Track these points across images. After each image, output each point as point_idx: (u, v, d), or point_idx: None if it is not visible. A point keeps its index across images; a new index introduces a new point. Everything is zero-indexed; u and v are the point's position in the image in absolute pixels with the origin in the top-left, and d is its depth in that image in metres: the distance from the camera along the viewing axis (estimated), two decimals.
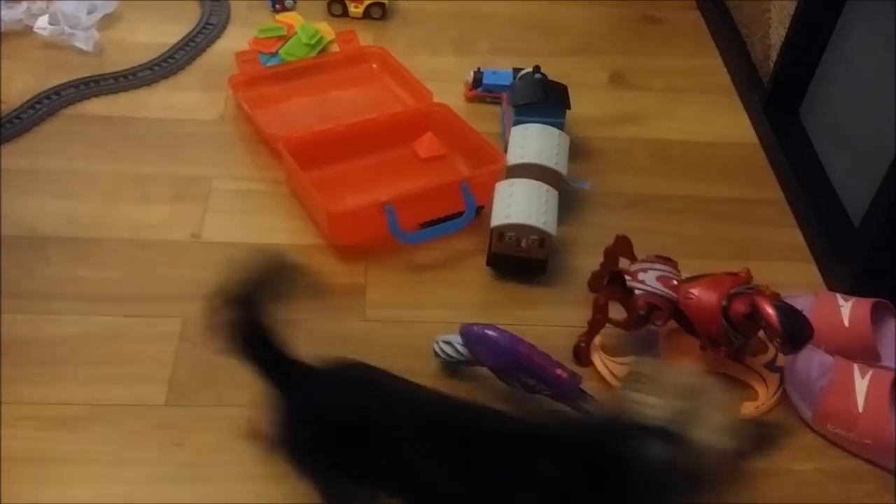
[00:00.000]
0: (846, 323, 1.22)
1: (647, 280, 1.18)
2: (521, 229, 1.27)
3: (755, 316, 1.10)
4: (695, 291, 1.15)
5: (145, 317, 1.23)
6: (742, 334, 1.14)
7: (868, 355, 1.20)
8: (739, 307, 1.11)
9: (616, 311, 1.21)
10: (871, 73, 1.39)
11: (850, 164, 1.43)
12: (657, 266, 1.19)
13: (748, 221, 1.48)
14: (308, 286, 0.97)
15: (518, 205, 1.29)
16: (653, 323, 1.19)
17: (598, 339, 1.23)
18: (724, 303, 1.12)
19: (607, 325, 1.21)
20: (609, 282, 1.22)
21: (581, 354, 1.22)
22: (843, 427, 1.14)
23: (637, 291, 1.18)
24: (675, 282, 1.18)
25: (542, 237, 1.28)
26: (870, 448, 1.13)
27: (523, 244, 1.28)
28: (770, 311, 1.08)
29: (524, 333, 1.22)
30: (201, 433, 1.10)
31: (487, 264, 1.32)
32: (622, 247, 1.26)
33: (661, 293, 1.18)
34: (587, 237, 1.37)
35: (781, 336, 1.09)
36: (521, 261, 1.30)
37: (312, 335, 1.21)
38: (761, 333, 1.15)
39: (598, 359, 1.21)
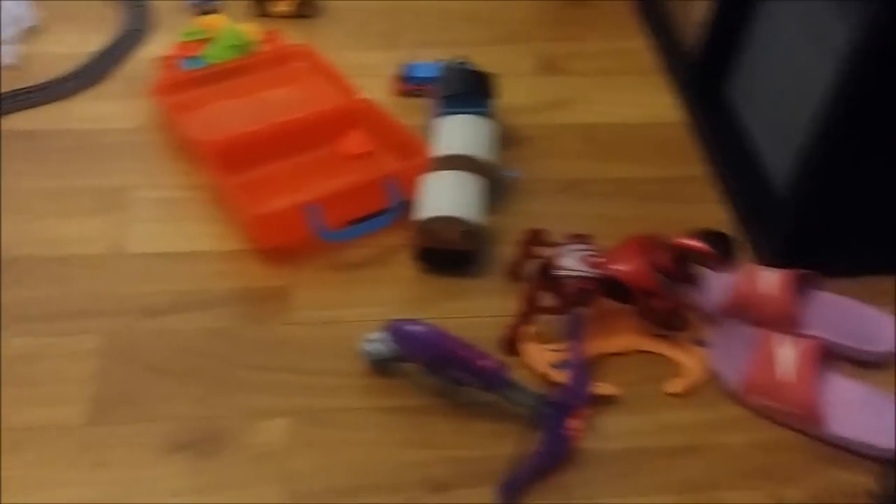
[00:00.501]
0: (769, 294, 1.23)
1: (571, 263, 1.19)
2: (448, 221, 1.27)
3: (682, 256, 1.16)
4: (620, 257, 1.19)
5: (66, 335, 1.21)
6: (675, 280, 1.19)
7: (791, 325, 1.22)
8: (664, 257, 1.17)
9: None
10: (791, 48, 1.40)
11: (773, 137, 1.44)
12: (575, 246, 1.21)
13: (676, 199, 1.49)
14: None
15: (444, 197, 1.29)
16: (585, 305, 1.20)
17: (527, 328, 1.23)
18: (649, 261, 1.17)
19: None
20: (537, 273, 1.23)
21: (511, 345, 1.22)
22: (769, 397, 1.15)
23: (565, 277, 1.18)
24: (598, 259, 1.20)
25: (470, 228, 1.28)
26: (796, 416, 1.14)
27: (451, 236, 1.28)
28: (692, 241, 1.15)
29: (455, 326, 1.22)
30: (125, 450, 1.09)
31: (415, 259, 1.32)
32: (537, 237, 1.27)
33: (588, 274, 1.19)
34: (518, 225, 1.37)
35: (713, 254, 1.15)
36: (450, 253, 1.30)
37: (237, 341, 1.22)
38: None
39: (528, 347, 1.22)
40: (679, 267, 1.19)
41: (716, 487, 1.10)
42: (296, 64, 1.62)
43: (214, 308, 1.26)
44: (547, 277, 1.20)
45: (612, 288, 1.20)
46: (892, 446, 1.11)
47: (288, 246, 1.33)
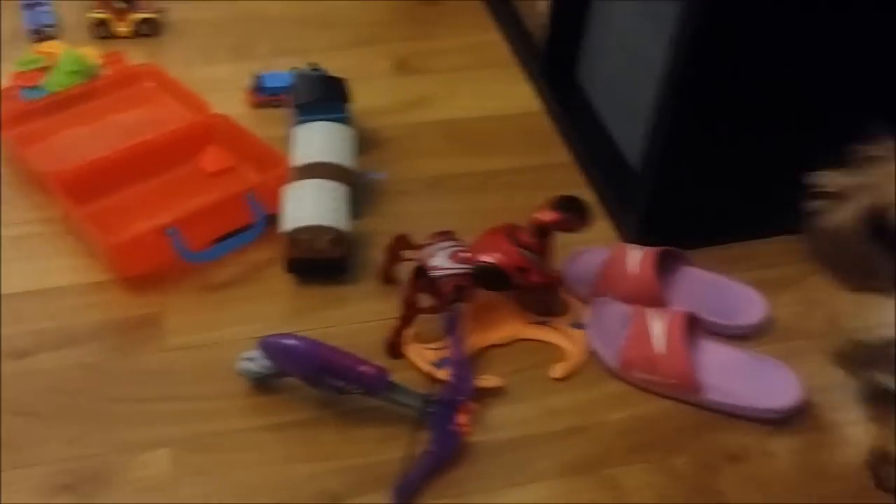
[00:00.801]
0: (634, 272, 1.27)
1: (442, 262, 1.20)
2: (314, 231, 1.25)
3: (542, 230, 1.20)
4: (485, 246, 1.22)
5: None
6: (541, 253, 1.21)
7: (657, 302, 1.25)
8: (525, 234, 1.21)
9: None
10: (629, 28, 1.44)
11: (623, 118, 1.47)
12: (442, 245, 1.21)
13: (542, 187, 1.50)
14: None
15: (307, 206, 1.27)
16: (463, 301, 1.20)
17: (409, 330, 1.23)
18: (513, 242, 1.20)
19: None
20: (413, 277, 1.23)
21: (394, 348, 1.21)
22: (647, 371, 1.18)
23: (440, 277, 1.19)
24: (465, 253, 1.21)
25: (337, 235, 1.26)
26: (674, 387, 1.18)
27: (318, 245, 1.27)
28: (547, 214, 1.19)
29: (335, 334, 1.21)
30: (11, 496, 1.05)
31: (286, 271, 1.29)
32: (402, 243, 1.27)
33: (460, 270, 1.20)
34: (387, 227, 1.36)
35: (569, 220, 1.19)
36: (320, 262, 1.28)
37: (109, 375, 1.17)
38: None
39: (411, 349, 1.21)
40: (542, 241, 1.21)
41: (605, 465, 1.12)
42: (143, 85, 1.57)
43: (83, 343, 1.21)
44: (422, 279, 1.21)
45: (487, 278, 1.21)
46: (769, 406, 1.16)
47: (153, 271, 1.29)
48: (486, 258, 1.21)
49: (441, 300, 1.19)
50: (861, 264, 1.01)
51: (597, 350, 1.23)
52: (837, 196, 1.00)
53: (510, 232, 1.22)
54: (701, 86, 1.18)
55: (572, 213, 1.21)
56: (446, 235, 1.24)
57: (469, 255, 1.21)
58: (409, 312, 1.20)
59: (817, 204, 1.01)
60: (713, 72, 1.17)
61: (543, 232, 1.21)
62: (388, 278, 1.30)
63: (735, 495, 1.10)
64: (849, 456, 1.15)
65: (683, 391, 1.18)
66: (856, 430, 1.18)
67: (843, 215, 0.99)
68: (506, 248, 1.21)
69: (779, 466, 1.13)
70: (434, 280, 1.19)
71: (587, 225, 1.22)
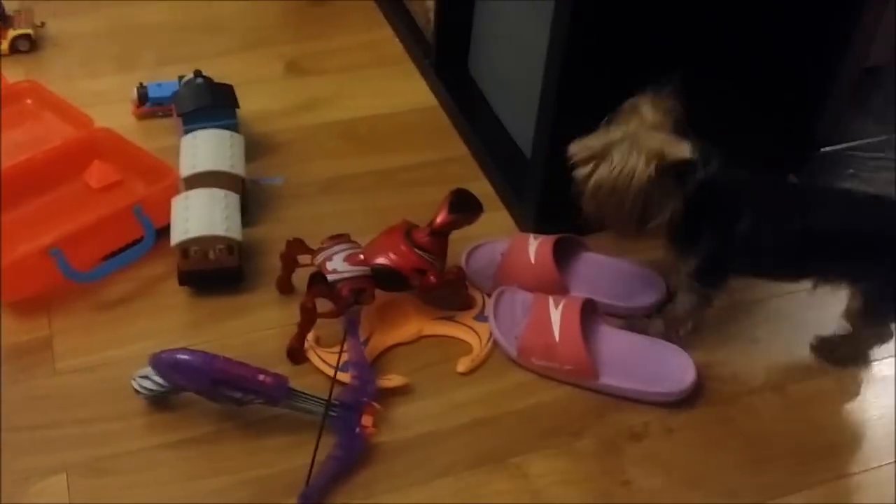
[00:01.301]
0: (532, 260, 1.27)
1: (338, 266, 1.19)
2: (205, 241, 1.23)
3: (437, 230, 1.21)
4: (381, 247, 1.21)
5: None
6: (438, 254, 1.21)
7: (556, 289, 1.26)
8: (421, 235, 1.21)
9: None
10: (519, 19, 1.44)
11: (518, 108, 1.48)
12: (337, 248, 1.20)
13: (440, 182, 1.49)
14: None
15: (196, 217, 1.24)
16: (362, 303, 1.19)
17: (310, 336, 1.21)
18: (410, 242, 1.20)
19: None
20: (310, 283, 1.22)
21: (295, 355, 1.20)
22: (545, 358, 1.19)
23: (337, 281, 1.17)
24: (361, 255, 1.20)
25: (229, 244, 1.24)
26: (572, 373, 1.18)
27: (211, 255, 1.24)
28: (444, 217, 1.21)
29: (234, 345, 1.20)
30: None
31: (180, 283, 1.27)
32: (296, 248, 1.25)
33: (357, 273, 1.19)
34: (284, 232, 1.33)
35: (462, 217, 1.21)
36: (214, 273, 1.26)
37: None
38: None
39: (312, 354, 1.20)
40: (438, 240, 1.21)
41: (511, 454, 1.12)
42: (22, 102, 1.52)
43: None
44: (319, 284, 1.19)
45: (385, 279, 1.21)
46: (664, 390, 1.17)
47: (41, 294, 1.25)
48: (383, 260, 1.20)
49: (339, 304, 1.18)
50: (636, 210, 1.07)
51: (496, 338, 1.23)
52: (594, 157, 1.07)
53: (406, 232, 1.22)
54: (581, 72, 1.20)
55: (464, 209, 1.21)
56: (341, 238, 1.23)
57: (365, 257, 1.20)
58: (308, 318, 1.19)
59: (578, 171, 1.08)
60: (591, 58, 1.19)
61: (439, 232, 1.21)
62: (285, 287, 1.28)
63: (638, 473, 1.11)
64: (747, 425, 1.18)
65: (580, 377, 1.18)
66: (753, 399, 1.20)
67: (603, 172, 1.05)
68: (402, 249, 1.20)
69: (680, 442, 1.15)
70: (332, 284, 1.18)
71: (479, 216, 1.22)
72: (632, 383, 1.18)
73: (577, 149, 1.09)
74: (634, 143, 1.05)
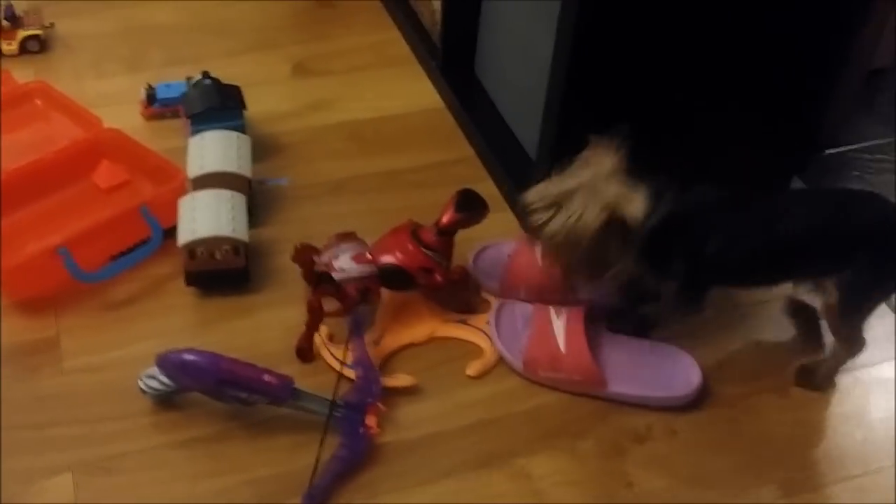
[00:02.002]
0: (540, 262, 1.27)
1: (344, 265, 1.20)
2: (211, 242, 1.24)
3: (444, 229, 1.21)
4: (388, 246, 1.22)
5: None
6: (444, 253, 1.22)
7: (566, 292, 1.26)
8: (427, 234, 1.22)
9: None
10: (525, 20, 1.45)
11: (523, 109, 1.48)
12: (344, 247, 1.21)
13: (446, 183, 1.49)
14: None
15: (203, 218, 1.25)
16: (369, 303, 1.20)
17: (324, 332, 1.22)
18: (416, 241, 1.21)
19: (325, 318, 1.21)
20: (317, 282, 1.22)
21: (304, 354, 1.21)
22: (552, 370, 1.18)
23: (345, 280, 1.18)
24: (368, 254, 1.21)
25: (235, 245, 1.25)
26: (580, 383, 1.18)
27: (218, 256, 1.25)
28: (447, 215, 1.21)
29: (240, 345, 1.20)
30: None
31: (187, 284, 1.28)
32: (307, 251, 1.24)
33: (364, 273, 1.20)
34: (291, 233, 1.35)
35: (468, 216, 1.21)
36: (221, 273, 1.27)
37: (7, 402, 1.14)
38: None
39: (325, 350, 1.20)
40: (445, 240, 1.22)
41: (515, 455, 1.13)
42: (32, 103, 1.53)
43: None
44: (326, 283, 1.20)
45: (391, 278, 1.21)
46: (671, 394, 1.18)
47: (49, 293, 1.26)
48: (390, 259, 1.21)
49: (346, 303, 1.19)
50: (592, 259, 1.09)
51: (501, 352, 1.23)
52: (550, 206, 1.08)
53: (413, 231, 1.22)
54: (586, 74, 1.20)
55: (470, 209, 1.21)
56: (348, 237, 1.24)
57: (372, 256, 1.21)
58: (315, 317, 1.19)
59: (535, 218, 1.09)
60: (597, 60, 1.19)
61: (445, 232, 1.22)
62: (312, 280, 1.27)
63: (642, 475, 1.12)
64: (750, 427, 1.18)
65: (589, 387, 1.18)
66: (756, 401, 1.21)
67: (558, 222, 1.07)
68: (409, 248, 1.21)
69: (683, 444, 1.15)
70: (338, 283, 1.19)
71: (485, 215, 1.23)
72: (640, 389, 1.18)
73: (535, 197, 1.10)
74: (590, 193, 1.07)
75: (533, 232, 1.11)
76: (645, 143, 1.05)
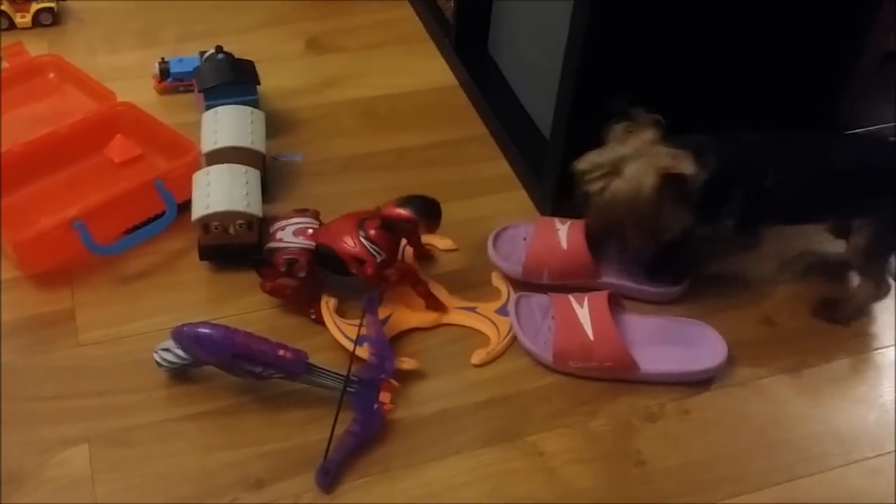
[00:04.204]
0: (564, 245, 1.27)
1: (285, 237, 1.22)
2: (225, 216, 1.24)
3: (389, 224, 1.20)
4: (332, 228, 1.22)
5: None
6: (385, 248, 1.20)
7: (588, 274, 1.27)
8: (371, 225, 1.20)
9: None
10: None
11: (537, 88, 1.48)
12: (293, 220, 1.23)
13: (458, 161, 1.52)
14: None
15: (217, 192, 1.25)
16: (296, 275, 1.21)
17: (332, 304, 1.22)
18: (360, 229, 1.20)
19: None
20: (257, 267, 1.25)
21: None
22: (583, 360, 1.18)
23: (276, 250, 1.21)
24: (311, 230, 1.22)
25: (249, 220, 1.25)
26: (612, 369, 1.18)
27: (231, 231, 1.25)
28: (394, 209, 1.19)
29: (255, 320, 1.21)
30: None
31: (201, 258, 1.28)
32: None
33: (296, 245, 1.21)
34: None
35: (416, 217, 1.18)
36: (234, 248, 1.27)
37: (23, 374, 1.15)
38: None
39: (332, 324, 1.20)
40: (387, 235, 1.20)
41: (526, 432, 1.13)
42: (45, 76, 1.53)
43: None
44: (264, 264, 1.23)
45: (326, 260, 1.21)
46: (702, 367, 1.18)
47: (64, 266, 1.26)
48: (326, 241, 1.21)
49: (268, 273, 1.22)
50: (651, 221, 1.15)
51: (525, 346, 1.21)
52: (604, 173, 1.13)
53: (361, 220, 1.21)
54: (602, 53, 1.19)
55: (419, 213, 1.19)
56: (304, 213, 1.25)
57: (313, 233, 1.22)
58: (285, 296, 1.23)
59: (591, 186, 1.14)
60: (613, 39, 1.18)
61: (388, 227, 1.20)
62: None
63: (654, 453, 1.12)
64: (761, 408, 1.18)
65: (621, 371, 1.18)
66: (769, 382, 1.21)
67: (617, 187, 1.13)
68: (349, 235, 1.20)
69: (696, 423, 1.15)
70: (272, 252, 1.21)
71: (432, 229, 1.22)
72: (671, 366, 1.18)
73: (587, 165, 1.15)
74: (643, 159, 1.12)
75: (587, 199, 1.15)
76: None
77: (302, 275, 1.20)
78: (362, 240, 1.19)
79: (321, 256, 1.21)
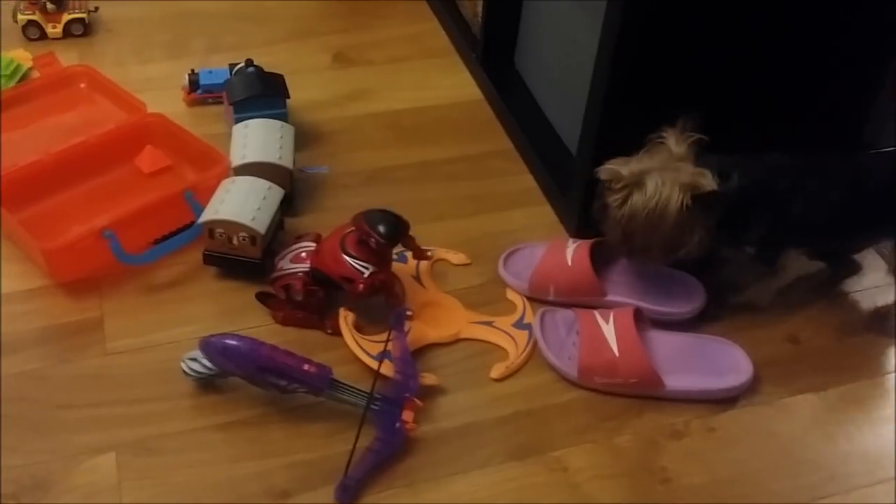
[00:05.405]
0: (569, 262, 1.27)
1: (284, 265, 1.24)
2: (229, 226, 1.24)
3: (361, 239, 1.19)
4: (321, 249, 1.23)
5: None
6: (370, 261, 1.19)
7: (593, 292, 1.27)
8: (350, 241, 1.20)
9: None
10: (568, 13, 1.45)
11: (563, 103, 1.48)
12: (291, 248, 1.27)
13: (482, 175, 1.52)
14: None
15: (231, 201, 1.26)
16: (293, 299, 1.22)
17: (350, 319, 1.22)
18: (341, 248, 1.19)
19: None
20: (263, 300, 1.27)
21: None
22: (608, 376, 1.18)
23: (277, 278, 1.24)
24: (304, 253, 1.23)
25: (252, 235, 1.25)
26: (637, 385, 1.17)
27: (235, 242, 1.25)
28: (361, 223, 1.19)
29: (279, 332, 1.22)
30: None
31: (204, 263, 1.29)
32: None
33: (289, 271, 1.23)
34: (328, 222, 1.35)
35: (371, 233, 1.17)
36: (236, 259, 1.27)
37: (51, 381, 1.16)
38: None
39: (352, 340, 1.20)
40: (364, 249, 1.19)
41: (551, 447, 1.13)
42: (76, 86, 1.55)
43: (22, 350, 1.19)
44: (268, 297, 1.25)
45: (323, 281, 1.22)
46: (727, 385, 1.18)
47: (93, 275, 1.27)
48: (316, 264, 1.22)
49: (273, 304, 1.24)
50: (670, 238, 1.14)
51: (549, 361, 1.21)
52: (627, 185, 1.13)
53: (342, 238, 1.21)
54: (631, 70, 1.20)
55: (379, 230, 1.18)
56: (303, 238, 1.27)
57: (306, 256, 1.24)
58: (298, 323, 1.25)
59: (612, 198, 1.14)
60: (643, 57, 1.19)
61: (362, 241, 1.19)
62: None
63: (679, 471, 1.12)
64: (786, 427, 1.18)
65: (646, 388, 1.18)
66: (793, 401, 1.20)
67: (638, 201, 1.12)
68: (333, 254, 1.20)
69: (721, 441, 1.15)
70: (273, 280, 1.23)
71: (392, 240, 1.20)
72: (697, 383, 1.18)
73: (609, 176, 1.14)
74: (666, 174, 1.12)
75: (604, 210, 1.15)
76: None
77: (298, 298, 1.21)
78: (345, 258, 1.19)
79: (318, 279, 1.22)
